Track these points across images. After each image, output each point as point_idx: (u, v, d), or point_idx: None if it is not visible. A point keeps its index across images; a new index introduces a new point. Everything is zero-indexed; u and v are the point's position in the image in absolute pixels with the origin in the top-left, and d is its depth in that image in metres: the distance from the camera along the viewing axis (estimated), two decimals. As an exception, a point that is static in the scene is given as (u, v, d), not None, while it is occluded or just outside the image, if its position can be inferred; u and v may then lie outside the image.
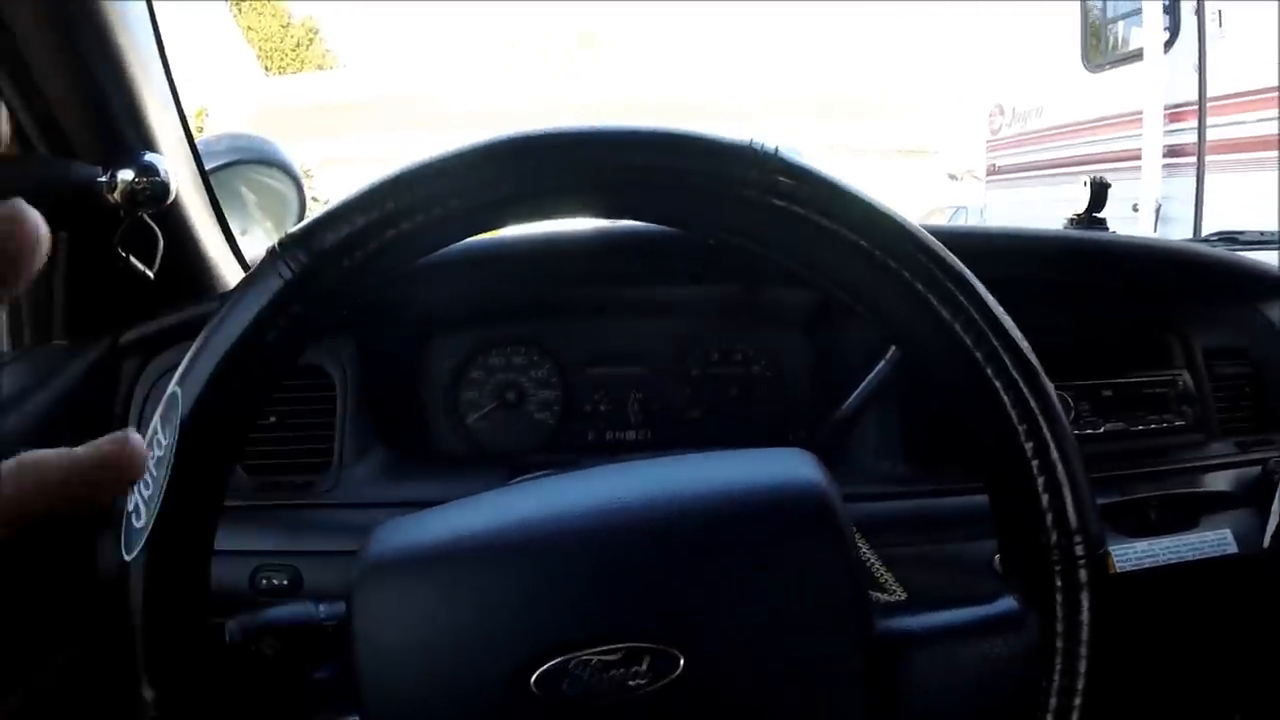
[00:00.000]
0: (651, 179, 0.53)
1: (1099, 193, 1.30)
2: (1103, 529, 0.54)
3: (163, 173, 0.93)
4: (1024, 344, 0.54)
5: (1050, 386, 0.54)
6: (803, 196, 0.52)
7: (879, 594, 0.79)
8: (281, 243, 0.52)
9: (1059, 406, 0.54)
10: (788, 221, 0.52)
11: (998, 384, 0.53)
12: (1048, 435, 0.53)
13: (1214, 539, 1.08)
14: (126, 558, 0.51)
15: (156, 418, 0.52)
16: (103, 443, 0.33)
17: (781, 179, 0.52)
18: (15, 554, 0.85)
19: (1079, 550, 0.53)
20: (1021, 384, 0.53)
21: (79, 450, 0.33)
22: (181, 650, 0.52)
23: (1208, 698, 1.19)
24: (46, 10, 0.83)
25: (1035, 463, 0.53)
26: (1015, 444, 0.53)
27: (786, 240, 0.54)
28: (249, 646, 0.58)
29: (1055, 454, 0.53)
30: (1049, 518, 0.53)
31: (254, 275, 0.52)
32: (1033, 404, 0.53)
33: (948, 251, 0.54)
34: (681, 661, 0.51)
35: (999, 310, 0.53)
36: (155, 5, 0.97)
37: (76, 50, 0.87)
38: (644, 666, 0.51)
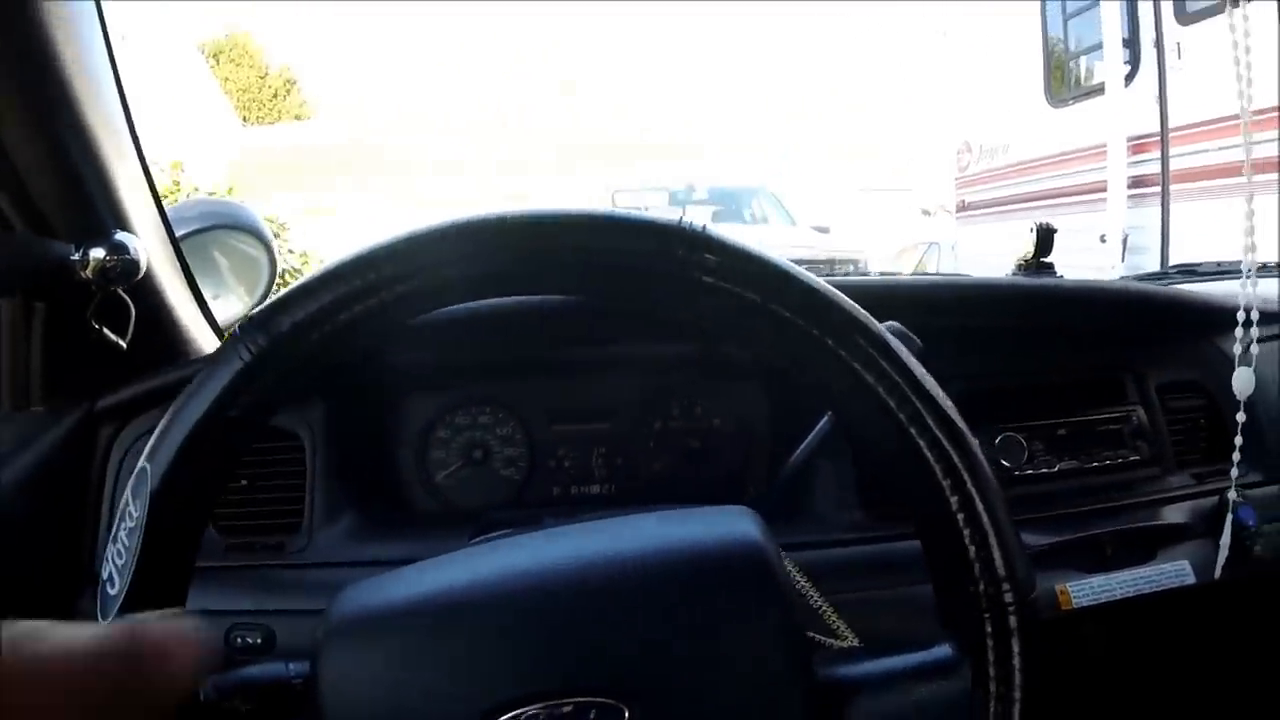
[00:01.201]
0: (590, 261, 0.56)
1: (1045, 238, 1.33)
2: (1032, 575, 0.57)
3: (133, 250, 0.95)
4: (946, 403, 0.56)
5: (973, 442, 0.56)
6: (728, 272, 0.55)
7: (830, 639, 0.81)
8: (241, 325, 0.55)
9: (983, 460, 0.57)
10: (716, 295, 0.55)
11: (921, 443, 0.55)
12: (972, 489, 0.55)
13: (1171, 570, 1.10)
14: (102, 623, 0.53)
15: (128, 490, 0.55)
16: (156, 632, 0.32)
17: (708, 256, 0.55)
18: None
19: (1008, 598, 0.55)
20: (945, 442, 0.55)
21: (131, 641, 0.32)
22: None
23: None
24: (19, 93, 0.85)
25: (961, 515, 0.55)
26: (941, 499, 0.55)
27: (717, 315, 0.57)
28: (222, 705, 0.60)
29: (980, 506, 0.55)
30: (977, 567, 0.55)
31: (216, 356, 0.55)
32: (956, 460, 0.55)
33: (869, 317, 0.57)
34: (626, 715, 0.54)
35: (920, 372, 0.56)
36: (125, 83, 0.99)
37: (50, 131, 0.89)
38: (591, 719, 0.54)
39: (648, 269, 0.56)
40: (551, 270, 0.57)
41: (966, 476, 0.55)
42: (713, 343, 1.11)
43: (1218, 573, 1.09)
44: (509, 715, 0.53)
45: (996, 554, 0.55)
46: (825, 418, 0.99)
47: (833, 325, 0.56)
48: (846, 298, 0.57)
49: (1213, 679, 1.21)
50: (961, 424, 0.56)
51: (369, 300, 0.54)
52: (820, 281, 0.57)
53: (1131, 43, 5.09)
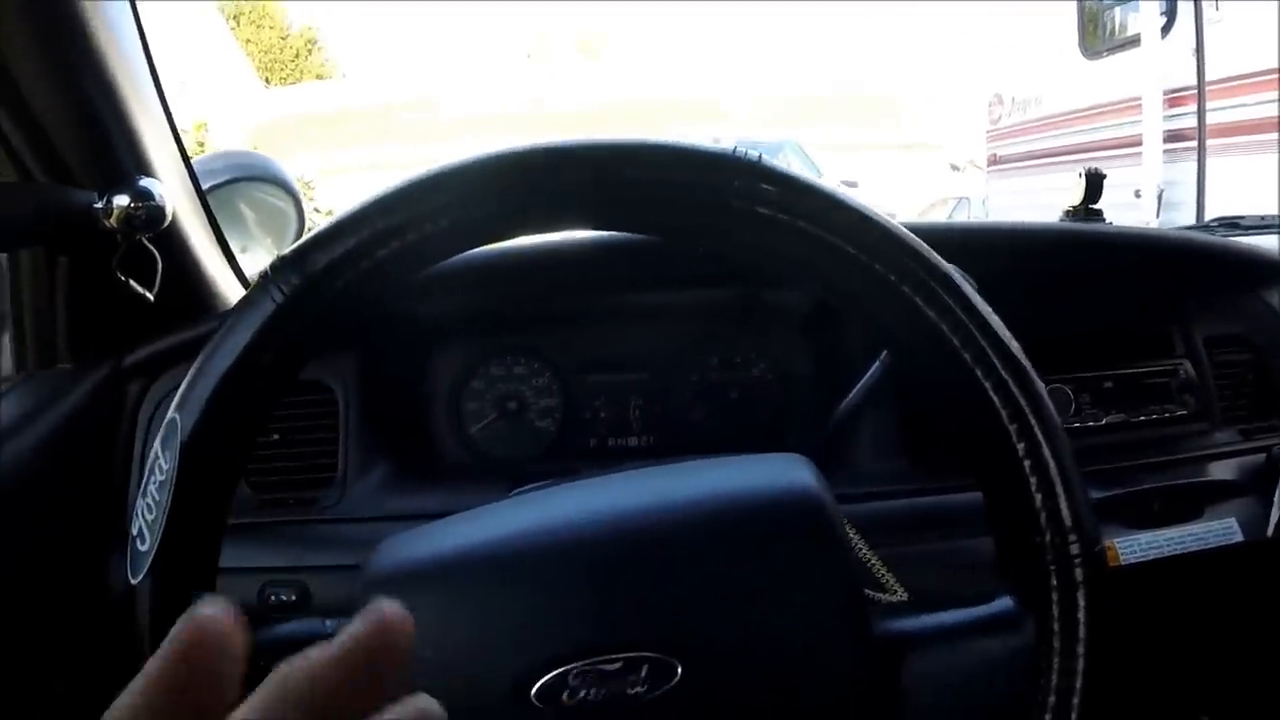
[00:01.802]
0: (639, 191, 0.54)
1: (1094, 184, 1.29)
2: (1098, 526, 0.55)
3: (158, 197, 0.93)
4: (1013, 343, 0.54)
5: (1040, 385, 0.54)
6: (787, 203, 0.52)
7: (880, 594, 0.79)
8: (273, 266, 0.53)
9: (1050, 404, 0.54)
10: (774, 229, 0.53)
11: (987, 384, 0.53)
12: (1039, 434, 0.53)
13: (1219, 528, 1.07)
14: (133, 581, 0.52)
15: (157, 442, 0.53)
16: (359, 629, 0.29)
17: (765, 186, 0.52)
18: (28, 577, 0.86)
19: (1074, 549, 0.53)
20: (1011, 383, 0.53)
21: (337, 649, 0.29)
22: None
23: (1216, 687, 1.19)
24: (39, 40, 0.84)
25: (1027, 462, 0.53)
26: (1007, 444, 0.53)
27: (774, 247, 0.54)
28: (257, 662, 0.59)
29: (1047, 452, 0.53)
30: (1043, 517, 0.53)
31: (247, 299, 0.53)
32: (1023, 403, 0.53)
33: (933, 253, 0.54)
34: (679, 669, 0.52)
35: (986, 310, 0.54)
36: (148, 29, 0.97)
37: (71, 78, 0.88)
38: (642, 675, 0.52)
39: (702, 200, 0.53)
40: (601, 203, 0.55)
41: (1033, 421, 0.53)
42: (754, 288, 1.09)
43: (1270, 531, 1.07)
44: (557, 670, 0.52)
45: (1063, 503, 0.53)
46: (875, 364, 0.96)
47: (894, 259, 0.53)
48: (909, 232, 0.54)
49: (1258, 639, 1.18)
50: (1028, 365, 0.54)
51: (406, 236, 0.52)
52: (881, 214, 0.54)
53: (1169, -7, 4.98)
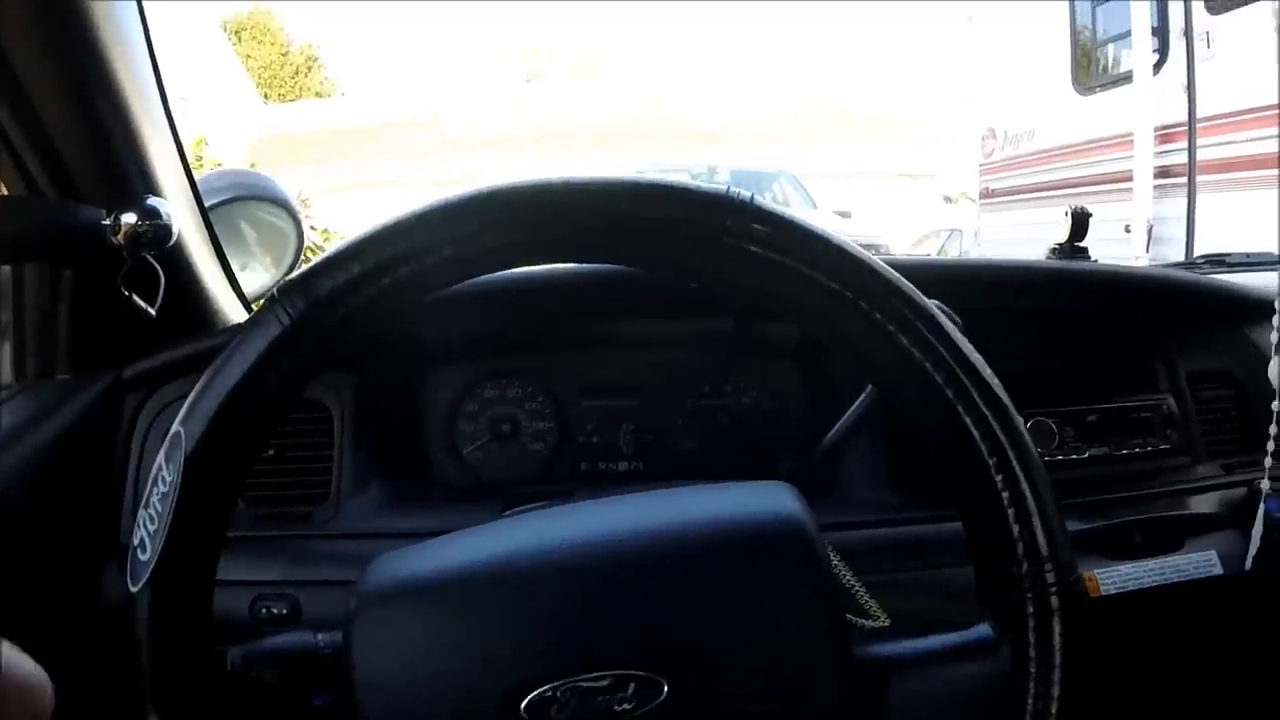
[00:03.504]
0: (635, 228, 0.56)
1: (1080, 222, 1.31)
2: (1074, 556, 0.56)
3: (165, 216, 0.95)
4: (993, 380, 0.56)
5: (1019, 421, 0.56)
6: (778, 243, 0.54)
7: (862, 619, 0.81)
8: (280, 289, 0.55)
9: (1028, 440, 0.56)
10: (765, 267, 0.55)
11: (968, 420, 0.55)
12: (1017, 467, 0.55)
13: (1199, 560, 1.09)
14: (132, 589, 0.53)
15: (161, 455, 0.54)
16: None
17: (757, 226, 0.54)
18: (22, 585, 0.86)
19: (1050, 578, 0.55)
20: (991, 419, 0.55)
21: None
22: (185, 678, 0.54)
23: (1194, 717, 1.20)
24: (54, 60, 0.85)
25: (1006, 494, 0.55)
26: (986, 476, 0.55)
27: (764, 284, 0.56)
28: (249, 674, 0.60)
29: (1025, 485, 0.55)
30: (1020, 547, 0.55)
31: (254, 320, 0.55)
32: (1002, 438, 0.55)
33: (916, 291, 0.56)
34: (665, 688, 0.53)
35: (968, 348, 0.56)
36: (157, 50, 0.99)
37: (83, 98, 0.89)
38: (629, 692, 0.53)
39: (693, 238, 0.55)
40: (594, 240, 0.57)
41: (1012, 454, 0.55)
42: (746, 318, 1.11)
43: (1248, 564, 1.08)
44: (546, 687, 0.53)
45: (1040, 534, 0.55)
46: (862, 396, 0.98)
47: (880, 299, 0.55)
48: (894, 271, 0.56)
49: (1236, 671, 1.20)
50: (1008, 401, 0.56)
51: (408, 266, 0.54)
52: (868, 255, 0.56)
53: (1160, 31, 5.03)
